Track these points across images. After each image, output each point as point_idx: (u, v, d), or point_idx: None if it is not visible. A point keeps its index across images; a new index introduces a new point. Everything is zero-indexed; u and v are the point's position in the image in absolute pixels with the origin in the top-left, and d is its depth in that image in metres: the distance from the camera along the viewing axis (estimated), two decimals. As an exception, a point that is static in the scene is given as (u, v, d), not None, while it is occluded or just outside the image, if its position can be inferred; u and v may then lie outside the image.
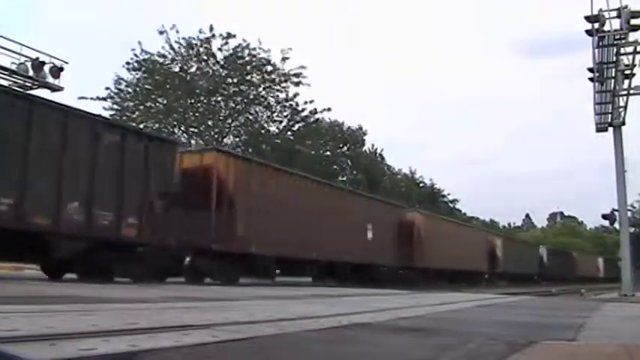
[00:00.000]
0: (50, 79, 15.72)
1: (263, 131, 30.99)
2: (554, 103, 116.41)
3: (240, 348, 2.92)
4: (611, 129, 17.46)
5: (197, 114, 29.23)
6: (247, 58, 29.32)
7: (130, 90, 28.33)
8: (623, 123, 17.19)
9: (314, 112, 31.42)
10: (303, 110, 31.11)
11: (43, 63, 15.68)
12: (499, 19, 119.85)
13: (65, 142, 9.56)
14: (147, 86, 28.45)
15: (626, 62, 16.17)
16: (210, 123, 29.56)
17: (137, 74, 28.36)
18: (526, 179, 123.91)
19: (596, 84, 17.07)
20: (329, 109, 32.24)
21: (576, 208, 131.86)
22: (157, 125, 27.48)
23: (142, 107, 28.32)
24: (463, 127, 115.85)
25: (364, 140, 39.70)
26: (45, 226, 9.13)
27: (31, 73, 15.47)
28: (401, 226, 21.91)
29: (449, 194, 51.91)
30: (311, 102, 30.80)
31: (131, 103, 28.33)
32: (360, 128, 38.86)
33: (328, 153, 36.05)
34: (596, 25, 15.44)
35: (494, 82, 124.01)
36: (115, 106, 27.63)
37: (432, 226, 24.17)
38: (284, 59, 29.35)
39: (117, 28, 54.57)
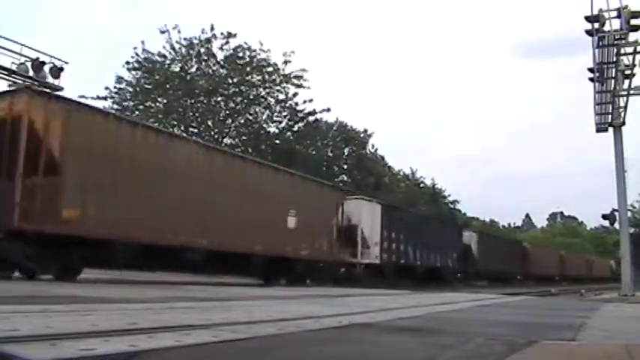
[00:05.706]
0: (50, 79, 15.73)
1: (263, 132, 30.95)
2: (554, 103, 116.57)
3: (241, 348, 2.92)
4: (611, 129, 17.43)
5: (197, 114, 29.21)
6: (247, 59, 29.31)
7: (130, 89, 28.33)
8: (623, 123, 17.17)
9: (313, 112, 31.39)
10: (302, 110, 31.06)
11: (43, 63, 15.69)
12: (499, 20, 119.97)
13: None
14: (147, 86, 28.43)
15: (626, 62, 16.15)
16: (210, 123, 29.54)
17: (137, 74, 28.37)
18: (526, 179, 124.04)
19: (596, 84, 17.04)
20: (328, 110, 32.24)
21: (576, 208, 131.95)
22: (156, 125, 27.45)
23: (141, 107, 28.31)
24: (463, 127, 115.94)
25: (367, 143, 39.61)
26: None
27: (31, 73, 15.47)
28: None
29: (449, 195, 51.86)
30: (310, 101, 30.77)
31: (131, 103, 28.31)
32: (366, 131, 38.81)
33: (330, 154, 35.96)
34: (596, 25, 15.41)
35: (495, 82, 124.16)
36: (115, 106, 27.64)
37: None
38: (286, 62, 29.37)
39: (117, 28, 54.58)
